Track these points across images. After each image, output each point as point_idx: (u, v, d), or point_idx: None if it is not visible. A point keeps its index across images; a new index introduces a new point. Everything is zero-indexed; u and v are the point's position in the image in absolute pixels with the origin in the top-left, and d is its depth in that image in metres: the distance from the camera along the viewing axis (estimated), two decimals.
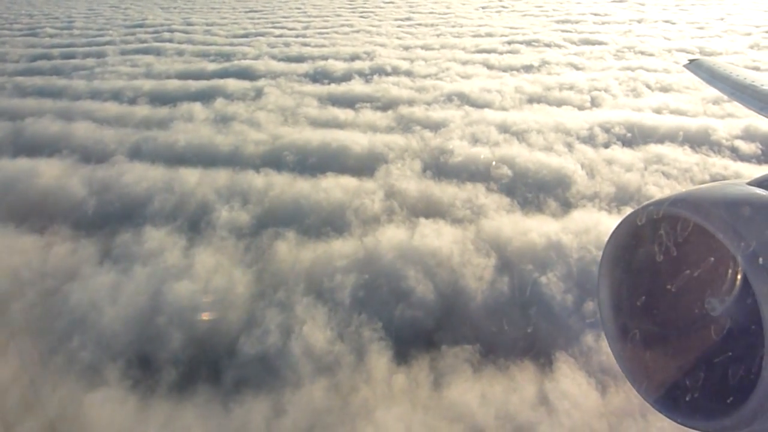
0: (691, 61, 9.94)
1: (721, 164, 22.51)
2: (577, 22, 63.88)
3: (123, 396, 11.88)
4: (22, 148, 26.53)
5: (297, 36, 60.21)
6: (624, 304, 2.39)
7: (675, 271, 2.21)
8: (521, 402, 11.24)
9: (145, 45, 57.22)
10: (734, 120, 26.70)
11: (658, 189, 20.35)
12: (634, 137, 25.53)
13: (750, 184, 2.17)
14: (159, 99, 35.57)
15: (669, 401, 2.16)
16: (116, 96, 36.62)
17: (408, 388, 11.97)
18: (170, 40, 59.56)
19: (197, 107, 32.63)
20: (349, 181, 21.59)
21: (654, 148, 24.14)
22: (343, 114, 30.78)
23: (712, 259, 2.04)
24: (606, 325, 2.44)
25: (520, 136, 26.11)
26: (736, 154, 23.53)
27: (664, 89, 34.42)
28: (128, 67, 46.27)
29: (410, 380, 12.20)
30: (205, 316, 14.31)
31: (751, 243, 1.82)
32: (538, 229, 17.54)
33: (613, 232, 2.35)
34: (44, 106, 34.14)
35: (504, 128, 27.09)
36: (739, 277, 1.92)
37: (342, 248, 17.07)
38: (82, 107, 34.05)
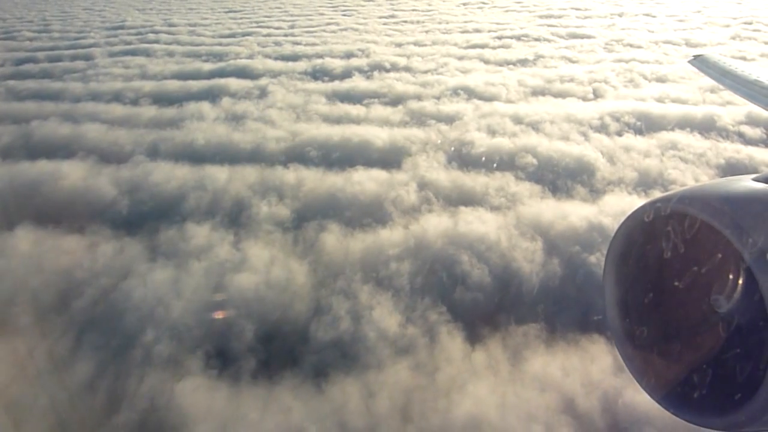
0: (696, 57, 10.41)
1: (732, 148, 23.53)
2: (560, 17, 65.16)
3: (213, 384, 12.14)
4: (37, 151, 26.21)
5: (285, 35, 60.15)
6: (630, 302, 2.38)
7: (681, 268, 2.21)
8: (602, 371, 11.84)
9: (132, 47, 56.46)
10: (735, 107, 27.76)
11: (680, 172, 21.29)
12: (644, 125, 26.46)
13: (755, 180, 2.17)
14: (163, 99, 35.38)
15: (676, 399, 2.16)
16: (118, 97, 36.31)
17: (489, 364, 12.47)
18: (156, 41, 58.87)
19: (206, 106, 32.61)
20: (379, 174, 21.99)
21: (666, 135, 25.11)
22: (354, 110, 31.12)
23: (719, 256, 2.02)
24: (611, 322, 2.42)
25: (535, 126, 26.84)
26: (744, 139, 24.59)
27: (661, 80, 35.59)
28: (121, 69, 45.78)
29: (489, 357, 12.69)
30: (275, 306, 14.60)
31: (757, 240, 1.83)
32: (575, 213, 18.23)
33: (619, 229, 2.34)
34: (46, 109, 33.73)
35: (517, 120, 27.79)
36: (746, 274, 1.92)
37: (390, 237, 17.48)
38: (86, 109, 33.67)
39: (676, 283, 2.23)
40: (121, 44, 58.89)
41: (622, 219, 2.28)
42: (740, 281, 1.96)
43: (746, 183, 2.13)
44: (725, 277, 2.02)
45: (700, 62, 9.80)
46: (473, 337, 13.41)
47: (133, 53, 52.76)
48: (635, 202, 18.48)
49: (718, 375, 2.05)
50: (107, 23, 77.47)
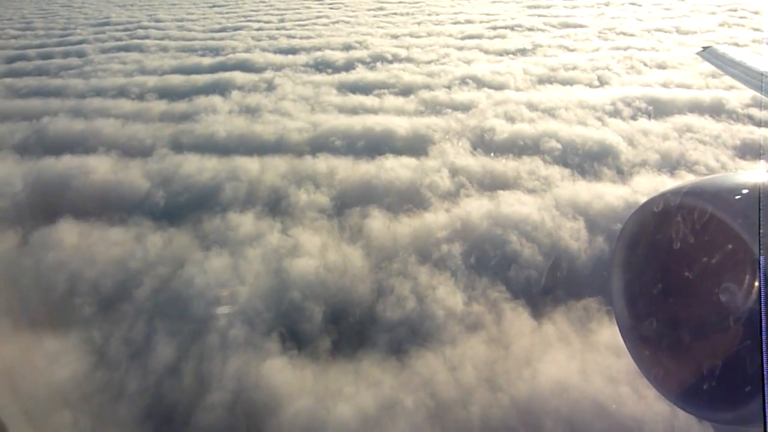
0: (704, 48, 10.85)
1: (746, 130, 24.45)
2: (548, 7, 66.07)
3: (297, 363, 12.48)
4: (56, 146, 26.01)
5: (278, 29, 59.99)
6: (638, 293, 2.40)
7: (690, 260, 2.19)
8: None
9: (123, 42, 55.77)
10: (739, 92, 28.66)
11: (701, 153, 22.09)
12: (656, 110, 27.28)
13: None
14: (169, 94, 35.19)
15: (684, 393, 2.15)
16: (123, 93, 36.02)
17: (559, 336, 13.01)
18: (147, 37, 58.21)
19: (217, 100, 32.61)
20: (409, 161, 22.39)
21: (679, 119, 25.94)
22: (368, 101, 31.41)
23: (729, 248, 2.01)
24: (619, 313, 2.44)
25: (551, 113, 27.49)
26: (754, 122, 25.51)
27: (661, 66, 36.49)
28: (118, 65, 45.19)
29: (557, 330, 13.24)
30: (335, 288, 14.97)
31: (767, 233, 1.83)
32: (610, 193, 18.91)
33: (628, 221, 2.37)
34: (53, 105, 33.33)
35: (531, 106, 28.41)
36: (755, 266, 1.91)
37: (436, 220, 17.92)
38: (93, 105, 33.37)
39: (685, 276, 2.23)
40: (111, 40, 58.15)
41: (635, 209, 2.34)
42: (749, 274, 1.95)
43: (756, 176, 2.14)
44: (734, 270, 2.01)
45: (709, 54, 10.19)
46: (537, 312, 13.93)
47: (126, 49, 52.15)
48: (666, 181, 19.31)
49: (728, 368, 2.04)
50: (91, 20, 76.18)
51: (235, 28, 61.31)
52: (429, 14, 66.48)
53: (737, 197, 1.99)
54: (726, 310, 2.05)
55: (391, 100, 31.54)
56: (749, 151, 22.49)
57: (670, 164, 21.37)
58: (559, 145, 23.11)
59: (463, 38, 49.36)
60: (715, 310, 2.10)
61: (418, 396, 11.15)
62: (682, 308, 2.28)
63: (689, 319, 2.26)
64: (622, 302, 2.46)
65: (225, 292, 14.76)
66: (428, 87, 33.36)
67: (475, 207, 18.51)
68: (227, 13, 77.52)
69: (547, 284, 15.04)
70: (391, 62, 40.92)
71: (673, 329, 2.30)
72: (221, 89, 34.99)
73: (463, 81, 33.92)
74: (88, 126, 29.08)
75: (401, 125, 26.26)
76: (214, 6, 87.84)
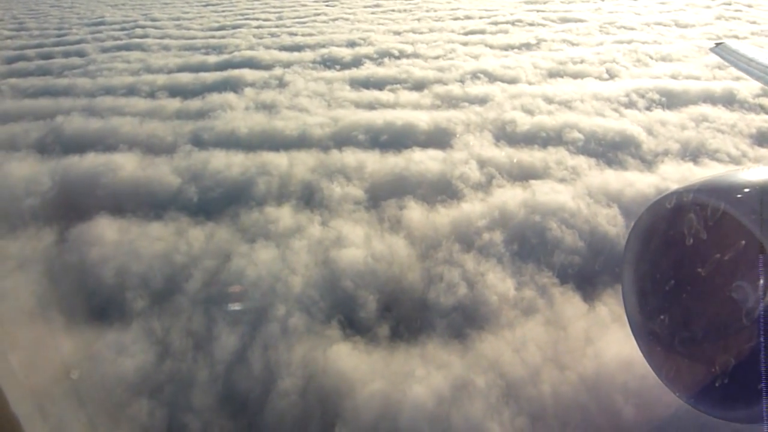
0: (717, 44, 11.11)
1: (760, 119, 25.04)
2: (545, 2, 66.73)
3: (362, 348, 12.74)
4: (76, 145, 25.97)
5: (277, 26, 59.94)
6: (649, 291, 2.37)
7: (702, 258, 2.17)
8: None
9: (123, 42, 55.41)
10: (746, 82, 29.25)
11: (720, 142, 22.62)
12: (669, 101, 27.81)
13: None
14: (181, 92, 35.08)
15: (696, 391, 2.16)
16: (133, 91, 35.94)
17: (613, 317, 13.35)
18: (146, 36, 57.95)
19: (231, 97, 32.66)
20: (436, 154, 22.68)
21: (694, 109, 26.49)
22: (383, 96, 31.65)
23: (741, 246, 1.98)
24: (630, 312, 2.44)
25: (567, 105, 27.93)
26: (767, 111, 26.13)
27: (666, 59, 37.13)
28: (122, 64, 44.95)
29: (610, 312, 13.58)
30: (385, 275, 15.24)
31: None
32: (640, 181, 19.35)
33: (640, 217, 2.37)
34: (64, 104, 33.19)
35: (547, 99, 28.84)
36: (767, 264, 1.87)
37: (473, 210, 18.24)
38: (105, 104, 33.21)
39: (697, 272, 2.20)
40: (110, 40, 57.69)
41: (651, 202, 2.35)
42: (762, 271, 1.91)
43: None
44: (747, 267, 1.98)
45: (722, 50, 10.46)
46: (587, 296, 14.30)
47: (127, 48, 51.85)
48: (692, 169, 19.78)
49: (740, 366, 2.03)
50: (85, 19, 75.56)
51: (235, 26, 61.15)
52: (427, 11, 66.84)
53: (749, 194, 1.98)
54: (738, 307, 2.04)
55: (406, 95, 31.84)
56: (765, 140, 23.06)
57: (692, 153, 21.87)
58: (581, 136, 23.54)
59: (466, 34, 49.74)
60: (728, 308, 2.08)
61: (488, 376, 11.46)
62: (694, 305, 2.26)
63: (701, 317, 2.24)
64: (633, 299, 2.44)
65: (277, 282, 14.94)
66: (440, 81, 33.71)
67: (510, 196, 18.87)
68: (223, 11, 77.24)
69: (591, 268, 15.40)
70: (398, 58, 41.16)
71: (685, 326, 2.29)
72: (233, 86, 34.99)
73: (475, 75, 34.26)
74: (105, 124, 29.04)
75: (421, 119, 26.56)
76: (207, 5, 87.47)
